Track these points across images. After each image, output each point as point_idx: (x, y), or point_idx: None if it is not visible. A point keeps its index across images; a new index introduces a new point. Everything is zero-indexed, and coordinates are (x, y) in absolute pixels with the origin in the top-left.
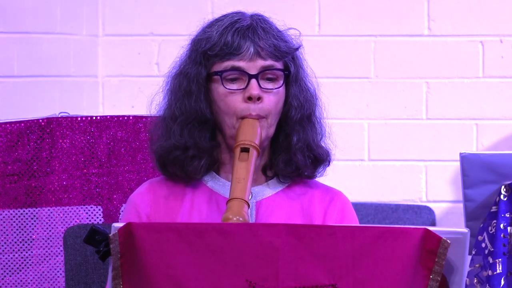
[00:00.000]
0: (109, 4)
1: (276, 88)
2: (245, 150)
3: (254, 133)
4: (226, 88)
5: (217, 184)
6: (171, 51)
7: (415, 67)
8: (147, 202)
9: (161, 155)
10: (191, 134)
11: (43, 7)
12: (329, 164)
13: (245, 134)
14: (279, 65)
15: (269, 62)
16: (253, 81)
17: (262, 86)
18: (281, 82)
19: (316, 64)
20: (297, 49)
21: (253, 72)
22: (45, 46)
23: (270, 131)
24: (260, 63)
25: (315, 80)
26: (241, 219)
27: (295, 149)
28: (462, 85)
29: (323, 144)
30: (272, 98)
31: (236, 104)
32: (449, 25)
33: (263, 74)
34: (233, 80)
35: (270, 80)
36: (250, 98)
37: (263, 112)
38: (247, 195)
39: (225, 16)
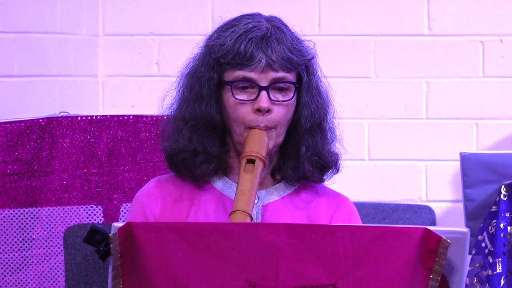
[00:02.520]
0: (109, 4)
1: (286, 101)
2: (251, 161)
3: (261, 145)
4: (236, 99)
5: (225, 186)
6: (171, 51)
7: (415, 66)
8: (154, 201)
9: (170, 155)
10: (200, 139)
11: (43, 7)
12: (337, 171)
13: (251, 145)
14: (291, 76)
15: (280, 74)
16: (263, 93)
17: (272, 98)
18: (292, 94)
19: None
20: (310, 59)
21: (263, 84)
22: (45, 46)
23: (278, 140)
24: (272, 75)
25: (329, 87)
26: None
27: (303, 158)
28: (462, 85)
29: (332, 150)
30: (281, 109)
31: (245, 115)
32: (449, 24)
33: (274, 86)
34: (243, 89)
35: (281, 90)
36: (259, 110)
37: (272, 123)
38: (251, 208)
39: (241, 21)
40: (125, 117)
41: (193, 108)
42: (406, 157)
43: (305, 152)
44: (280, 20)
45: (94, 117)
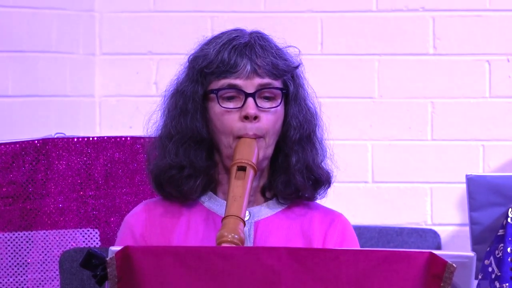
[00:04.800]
0: (106, 22)
1: (273, 107)
2: (242, 169)
3: (251, 152)
4: (222, 107)
5: (214, 204)
6: (170, 70)
7: (420, 86)
8: (142, 223)
9: (157, 175)
10: (186, 153)
11: (39, 25)
12: (329, 186)
13: (242, 153)
14: (277, 83)
15: (266, 80)
16: (250, 99)
17: (259, 105)
18: (279, 101)
19: (319, 84)
20: (296, 67)
21: (250, 90)
22: (41, 65)
23: (268, 151)
24: (257, 81)
25: (317, 99)
26: (236, 236)
27: (294, 170)
28: (468, 105)
29: (324, 166)
30: (269, 117)
31: (233, 123)
32: (455, 43)
33: (260, 93)
34: (229, 99)
35: (268, 99)
36: (246, 117)
37: (260, 131)
38: (243, 213)
39: (223, 33)
40: (123, 138)
41: (178, 122)
42: (411, 180)
43: (295, 164)
44: (264, 33)
45: (90, 138)
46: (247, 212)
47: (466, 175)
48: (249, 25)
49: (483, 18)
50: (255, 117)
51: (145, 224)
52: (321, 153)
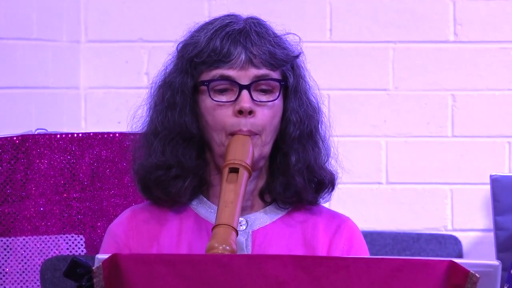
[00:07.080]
0: (92, 6)
1: (270, 101)
2: (234, 170)
3: (245, 152)
4: (214, 100)
5: (207, 210)
6: (162, 60)
7: (439, 77)
8: (127, 232)
9: (142, 176)
10: (174, 151)
11: (18, 10)
12: (333, 188)
13: (234, 152)
14: (275, 74)
15: (263, 71)
16: (245, 92)
17: (255, 99)
18: (277, 94)
19: (328, 74)
20: (296, 56)
21: (244, 82)
22: (20, 54)
23: (264, 150)
24: (253, 72)
25: (319, 92)
26: (227, 248)
27: (294, 171)
28: (492, 98)
29: (327, 166)
30: (266, 112)
31: (225, 119)
32: (478, 30)
33: (256, 85)
34: (222, 91)
35: (265, 91)
36: (240, 112)
37: (256, 128)
38: (236, 221)
39: (216, 19)
40: (110, 135)
41: (165, 117)
42: (429, 180)
43: (295, 164)
44: (260, 18)
45: (75, 135)
46: (243, 221)
47: (491, 176)
48: (250, 10)
49: (509, 1)
50: (250, 112)
51: (130, 233)
52: (324, 152)
